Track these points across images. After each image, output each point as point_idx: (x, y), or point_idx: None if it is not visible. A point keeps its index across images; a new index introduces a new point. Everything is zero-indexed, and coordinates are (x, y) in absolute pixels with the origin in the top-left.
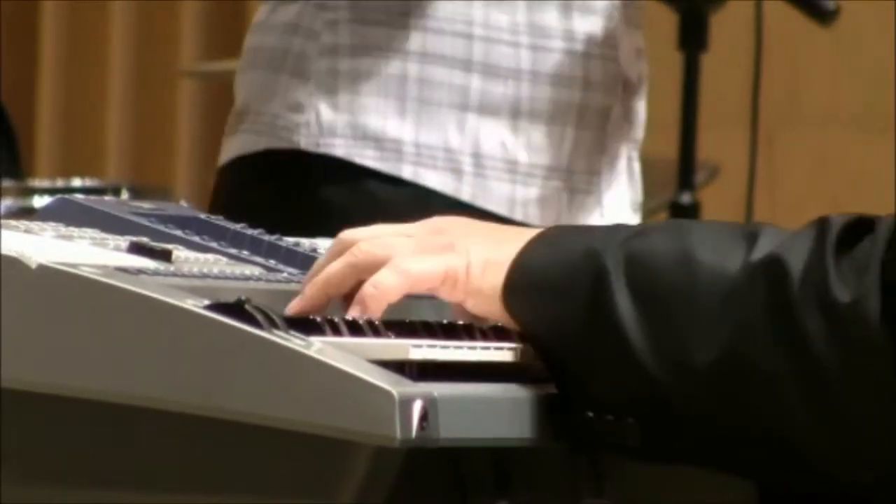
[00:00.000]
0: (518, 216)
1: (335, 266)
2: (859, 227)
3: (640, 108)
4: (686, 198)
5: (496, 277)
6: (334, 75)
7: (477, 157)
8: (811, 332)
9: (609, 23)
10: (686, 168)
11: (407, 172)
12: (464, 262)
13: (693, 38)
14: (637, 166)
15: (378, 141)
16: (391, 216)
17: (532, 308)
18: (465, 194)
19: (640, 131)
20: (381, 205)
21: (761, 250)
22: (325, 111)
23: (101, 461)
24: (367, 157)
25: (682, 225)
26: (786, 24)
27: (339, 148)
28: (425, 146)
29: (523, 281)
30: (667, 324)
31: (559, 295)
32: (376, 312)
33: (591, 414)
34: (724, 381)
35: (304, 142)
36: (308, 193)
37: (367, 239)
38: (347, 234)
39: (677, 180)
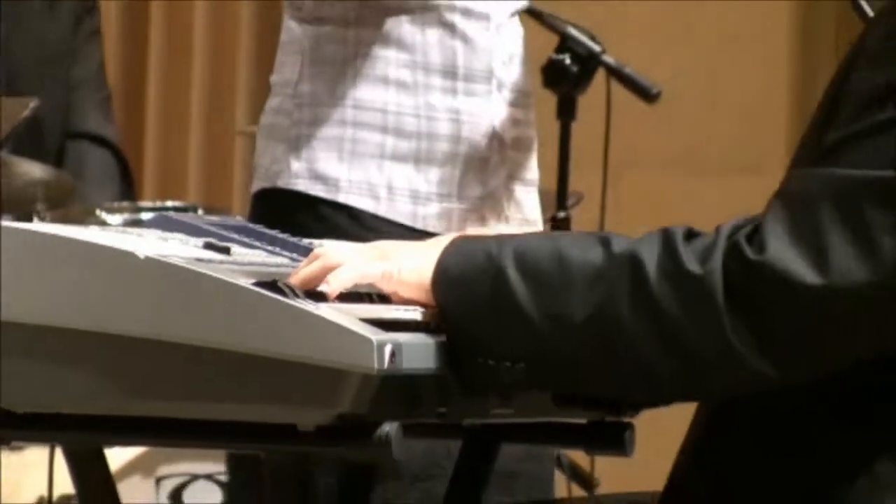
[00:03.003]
0: (419, 226)
1: (314, 265)
2: (695, 233)
3: (525, 159)
4: (561, 214)
5: (419, 277)
6: (298, 139)
7: (390, 188)
8: (665, 298)
9: (487, 102)
10: (561, 195)
11: (343, 199)
12: (396, 266)
13: (567, 111)
14: (530, 196)
15: (325, 179)
16: (334, 228)
17: (452, 297)
18: (382, 211)
19: (528, 173)
20: (328, 220)
21: (618, 247)
22: (293, 162)
23: (195, 383)
24: (319, 190)
25: (553, 234)
26: (627, 98)
27: (301, 185)
28: (355, 182)
29: (444, 279)
30: (549, 296)
31: (470, 286)
32: (334, 293)
33: (491, 362)
34: (594, 335)
35: (281, 182)
36: (284, 215)
37: (334, 251)
38: (321, 249)
39: (556, 203)
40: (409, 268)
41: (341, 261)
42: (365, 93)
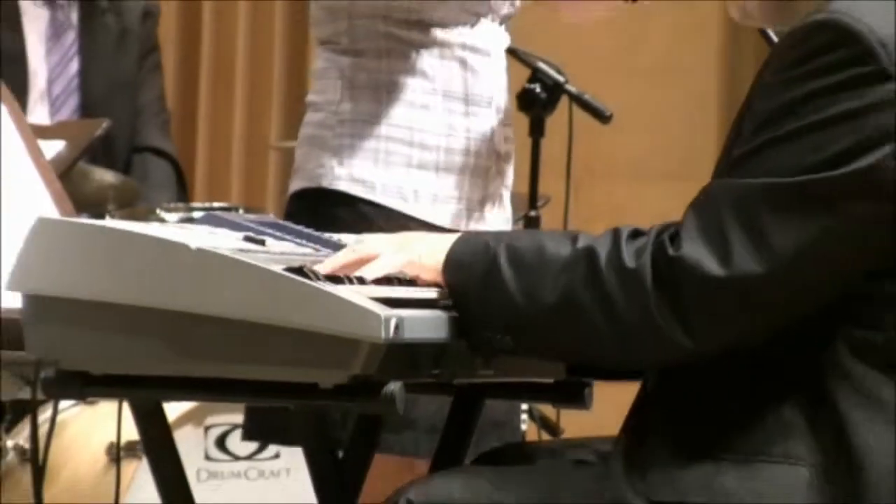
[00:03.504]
0: (438, 222)
1: (351, 255)
2: (639, 232)
3: (509, 168)
4: (532, 213)
5: (435, 262)
6: (340, 148)
7: (415, 191)
8: (610, 284)
9: (488, 122)
10: (532, 198)
11: (378, 199)
12: (417, 255)
13: (537, 130)
14: (507, 197)
15: (363, 182)
16: (369, 223)
17: (457, 278)
18: (409, 210)
19: (509, 180)
20: (365, 215)
21: (581, 243)
22: (335, 167)
23: (236, 349)
24: (358, 191)
25: (535, 231)
26: (586, 119)
27: (343, 186)
28: (388, 185)
29: (452, 264)
30: (528, 280)
31: (471, 269)
32: (370, 279)
33: (487, 333)
34: (561, 313)
35: (325, 183)
36: (325, 210)
37: (366, 242)
38: (355, 239)
39: (529, 204)
40: (427, 255)
41: (375, 253)
42: (395, 113)
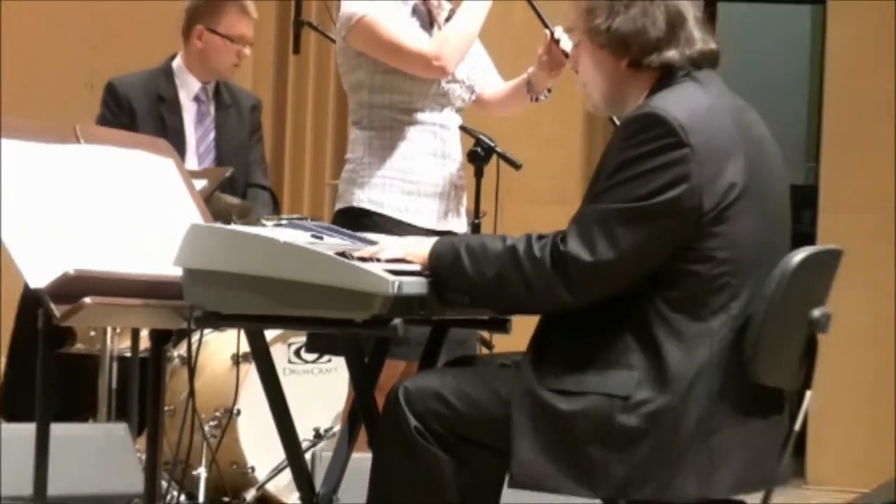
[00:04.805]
0: (421, 225)
1: (373, 248)
2: (542, 235)
3: (463, 194)
4: (476, 221)
5: (423, 253)
6: (363, 184)
7: (407, 208)
8: (526, 266)
9: (452, 168)
10: (476, 212)
11: (386, 212)
12: (412, 249)
13: (478, 173)
14: (462, 211)
15: (377, 203)
16: (380, 227)
17: (437, 263)
18: (405, 219)
19: (463, 201)
20: (377, 223)
21: (509, 241)
22: (360, 195)
23: (305, 299)
24: (374, 208)
25: (481, 234)
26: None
27: (365, 205)
28: (392, 205)
29: (433, 255)
30: (478, 265)
31: (443, 258)
32: (385, 260)
33: (451, 294)
34: (497, 284)
35: (354, 204)
36: (354, 220)
37: (385, 243)
38: (375, 237)
39: (474, 215)
40: (419, 249)
41: (386, 248)
42: (394, 164)
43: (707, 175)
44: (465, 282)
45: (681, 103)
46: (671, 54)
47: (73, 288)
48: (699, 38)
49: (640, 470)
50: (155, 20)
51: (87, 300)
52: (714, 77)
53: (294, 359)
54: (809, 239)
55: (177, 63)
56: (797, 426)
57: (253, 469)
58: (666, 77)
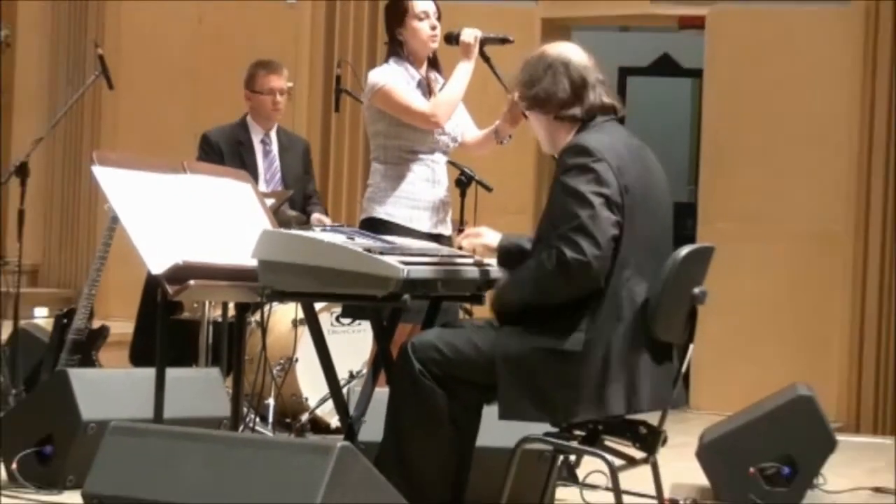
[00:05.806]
0: (421, 229)
1: (471, 237)
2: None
3: (449, 209)
4: (460, 228)
5: (492, 244)
6: (381, 202)
7: (411, 217)
8: (541, 272)
9: (441, 190)
10: (461, 221)
11: (397, 221)
12: (487, 241)
13: (462, 194)
14: (448, 221)
15: (390, 214)
16: (392, 232)
17: (502, 257)
18: (410, 225)
19: (450, 214)
20: (391, 229)
21: (534, 259)
22: (378, 210)
23: (339, 280)
24: (388, 218)
25: (521, 234)
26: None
27: (381, 216)
28: (401, 216)
29: (500, 247)
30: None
31: (508, 253)
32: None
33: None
34: (525, 282)
35: (374, 215)
36: (374, 227)
37: (476, 232)
38: (475, 230)
39: (459, 224)
40: (488, 242)
41: (485, 234)
42: (403, 188)
43: (614, 179)
44: (515, 277)
45: (591, 137)
46: (575, 111)
47: (181, 273)
48: (600, 96)
49: (578, 391)
50: (233, 89)
51: (192, 282)
52: (615, 124)
53: (335, 323)
54: (691, 240)
55: (248, 117)
56: (684, 368)
57: (307, 399)
58: (582, 124)
